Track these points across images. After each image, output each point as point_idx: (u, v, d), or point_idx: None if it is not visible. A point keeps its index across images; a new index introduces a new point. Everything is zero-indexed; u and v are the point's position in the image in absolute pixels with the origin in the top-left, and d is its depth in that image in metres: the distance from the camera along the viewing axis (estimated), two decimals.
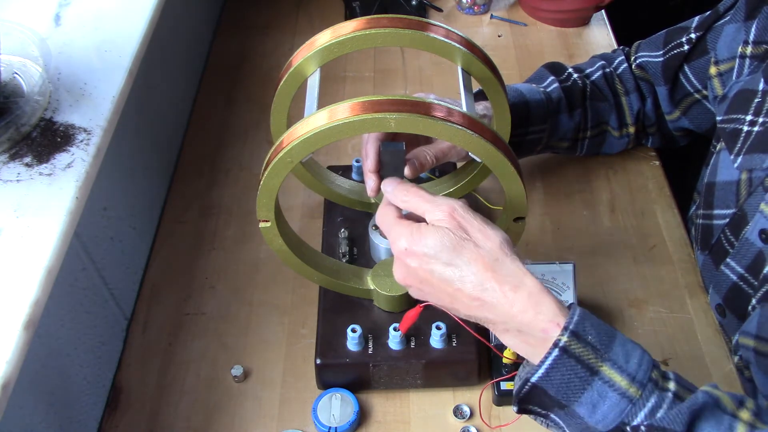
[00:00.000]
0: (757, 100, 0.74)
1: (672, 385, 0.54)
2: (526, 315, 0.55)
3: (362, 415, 0.75)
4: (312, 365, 0.74)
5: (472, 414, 0.74)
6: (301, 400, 0.76)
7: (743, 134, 0.75)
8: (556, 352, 0.53)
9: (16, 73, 0.72)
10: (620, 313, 0.83)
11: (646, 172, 0.99)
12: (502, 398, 0.74)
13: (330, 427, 0.72)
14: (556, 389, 0.54)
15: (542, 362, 0.54)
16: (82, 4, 0.83)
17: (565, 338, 0.53)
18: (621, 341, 0.54)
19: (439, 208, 0.59)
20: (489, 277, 0.56)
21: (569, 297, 0.75)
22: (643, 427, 0.52)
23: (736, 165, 0.75)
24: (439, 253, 0.57)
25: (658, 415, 0.52)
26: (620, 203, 0.95)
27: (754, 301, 0.73)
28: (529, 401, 0.56)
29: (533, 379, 0.54)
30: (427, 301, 0.61)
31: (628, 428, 0.52)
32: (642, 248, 0.90)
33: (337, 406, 0.73)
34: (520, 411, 0.58)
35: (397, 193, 0.63)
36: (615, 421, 0.52)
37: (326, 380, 0.75)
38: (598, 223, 0.93)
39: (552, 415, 0.56)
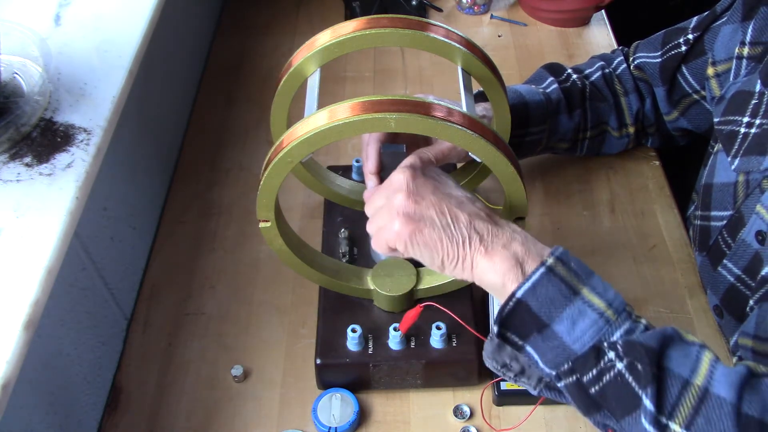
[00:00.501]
0: (754, 101, 0.74)
1: (643, 320, 0.58)
2: (529, 237, 0.60)
3: (362, 415, 0.75)
4: (312, 365, 0.74)
5: (472, 414, 0.74)
6: (301, 400, 0.76)
7: (740, 136, 0.75)
8: (542, 269, 0.57)
9: (16, 73, 0.72)
10: None
11: (646, 172, 0.99)
12: (502, 398, 0.74)
13: (330, 427, 0.72)
14: (539, 304, 0.56)
15: (529, 278, 0.57)
16: (82, 4, 0.83)
17: (551, 260, 0.57)
18: (599, 278, 0.58)
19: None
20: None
21: None
22: (620, 342, 0.55)
23: (733, 167, 0.75)
24: (446, 181, 0.64)
25: (633, 336, 0.55)
26: (620, 203, 0.95)
27: (751, 302, 0.73)
28: (510, 323, 0.57)
29: (519, 293, 0.56)
30: (419, 222, 0.61)
31: (605, 345, 0.55)
32: (642, 248, 0.90)
33: (337, 406, 0.73)
34: (499, 337, 0.58)
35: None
36: (592, 338, 0.55)
37: (326, 380, 0.75)
38: (598, 223, 0.93)
39: (527, 347, 0.57)
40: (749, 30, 0.77)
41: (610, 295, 0.57)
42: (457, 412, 0.75)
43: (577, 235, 0.91)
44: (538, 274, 0.56)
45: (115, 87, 0.74)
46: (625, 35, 1.19)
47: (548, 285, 0.56)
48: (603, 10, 1.25)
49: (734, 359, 0.78)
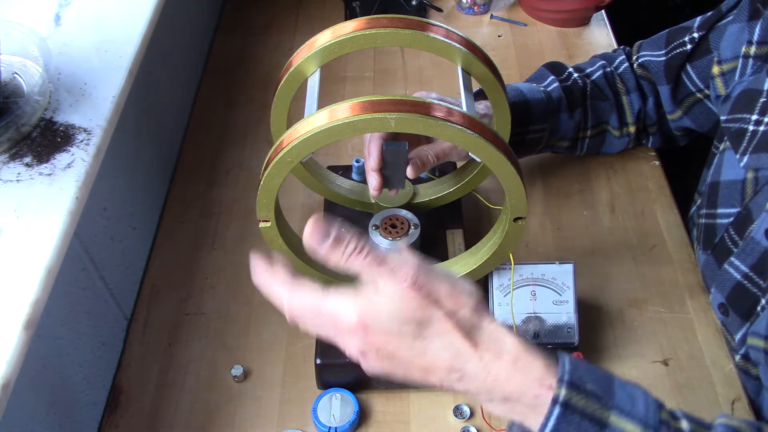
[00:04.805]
0: (762, 99, 0.74)
1: (685, 425, 0.49)
2: (513, 382, 0.48)
3: (362, 415, 0.75)
4: (312, 365, 0.74)
5: (472, 414, 0.74)
6: (301, 400, 0.76)
7: (749, 134, 0.75)
8: (557, 410, 0.47)
9: (16, 73, 0.72)
10: (620, 313, 0.83)
11: (646, 172, 0.99)
12: None
13: (330, 427, 0.72)
14: None
15: (544, 425, 0.47)
16: (82, 4, 0.83)
17: (563, 392, 0.47)
18: (619, 384, 0.49)
19: (397, 276, 0.48)
20: (467, 346, 0.48)
21: (569, 297, 0.75)
22: None
23: (742, 164, 0.76)
24: (403, 327, 0.48)
25: None
26: (620, 203, 0.95)
27: (764, 301, 0.72)
28: None
29: None
30: (389, 375, 0.52)
31: None
32: (642, 248, 0.90)
33: (337, 406, 0.73)
34: None
35: (336, 253, 0.49)
36: None
37: (326, 380, 0.75)
38: (598, 223, 0.92)
39: None
40: (756, 29, 0.77)
41: (640, 410, 0.48)
42: (457, 412, 0.75)
43: (577, 235, 0.91)
44: (553, 418, 0.46)
45: (115, 87, 0.74)
46: (625, 35, 1.19)
47: (568, 427, 0.46)
48: (603, 10, 1.25)
49: (737, 357, 0.78)
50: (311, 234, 0.49)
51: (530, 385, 0.48)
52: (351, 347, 0.51)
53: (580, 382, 0.48)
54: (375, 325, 0.49)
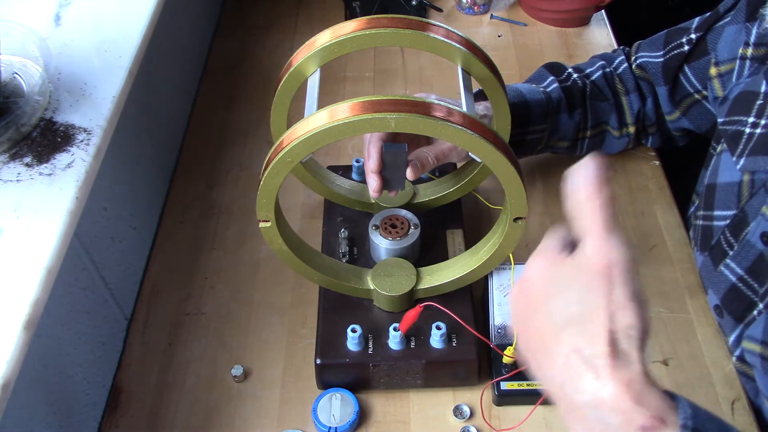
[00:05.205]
0: (759, 102, 0.74)
1: None
2: (621, 402, 0.43)
3: (362, 415, 0.75)
4: (312, 365, 0.74)
5: (472, 414, 0.74)
6: (301, 400, 0.76)
7: (745, 136, 0.75)
8: None
9: (16, 73, 0.72)
10: None
11: (646, 172, 0.99)
12: (502, 398, 0.74)
13: (330, 427, 0.72)
14: None
15: None
16: (82, 4, 0.83)
17: None
18: None
19: (602, 250, 0.48)
20: (604, 335, 0.44)
21: None
22: None
23: (738, 167, 0.75)
24: (569, 283, 0.47)
25: None
26: (620, 203, 0.95)
27: (761, 305, 0.72)
28: None
29: None
30: (518, 343, 0.50)
31: None
32: (642, 248, 0.90)
33: (337, 406, 0.73)
34: None
35: (598, 209, 0.49)
36: None
37: (326, 380, 0.75)
38: None
39: None
40: (753, 31, 0.77)
41: None
42: (457, 412, 0.75)
43: None
44: None
45: (115, 87, 0.74)
46: (625, 35, 1.19)
47: None
48: (603, 10, 1.25)
49: (733, 359, 0.78)
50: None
51: (640, 413, 0.43)
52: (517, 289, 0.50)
53: (704, 430, 0.43)
54: (551, 270, 0.49)
